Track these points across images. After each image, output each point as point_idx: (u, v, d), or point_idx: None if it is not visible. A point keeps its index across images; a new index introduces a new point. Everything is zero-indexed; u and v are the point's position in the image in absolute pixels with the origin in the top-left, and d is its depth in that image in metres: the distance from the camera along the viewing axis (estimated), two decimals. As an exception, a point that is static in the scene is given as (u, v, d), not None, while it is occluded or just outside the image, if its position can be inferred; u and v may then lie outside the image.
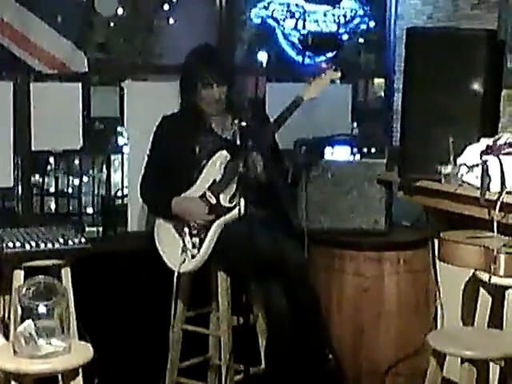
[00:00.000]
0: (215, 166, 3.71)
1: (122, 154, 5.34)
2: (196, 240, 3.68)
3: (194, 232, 3.69)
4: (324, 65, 5.39)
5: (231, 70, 3.87)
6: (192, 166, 3.75)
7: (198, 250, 3.67)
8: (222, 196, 3.69)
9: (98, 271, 4.04)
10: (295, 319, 3.54)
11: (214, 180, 3.71)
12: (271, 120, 3.78)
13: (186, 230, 3.70)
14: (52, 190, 5.65)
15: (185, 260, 3.67)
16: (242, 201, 3.21)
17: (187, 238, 3.69)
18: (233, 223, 3.61)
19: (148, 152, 3.88)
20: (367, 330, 3.94)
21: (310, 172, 4.10)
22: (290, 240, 3.68)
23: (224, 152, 3.70)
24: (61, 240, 3.40)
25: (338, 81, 5.31)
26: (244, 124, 3.36)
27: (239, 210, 3.22)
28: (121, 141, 5.51)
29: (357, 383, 3.93)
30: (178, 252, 3.68)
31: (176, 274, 3.67)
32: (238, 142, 3.39)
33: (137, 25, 5.68)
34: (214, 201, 3.69)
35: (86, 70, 4.20)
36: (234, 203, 3.60)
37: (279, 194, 3.50)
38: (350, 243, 4.00)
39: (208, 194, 3.70)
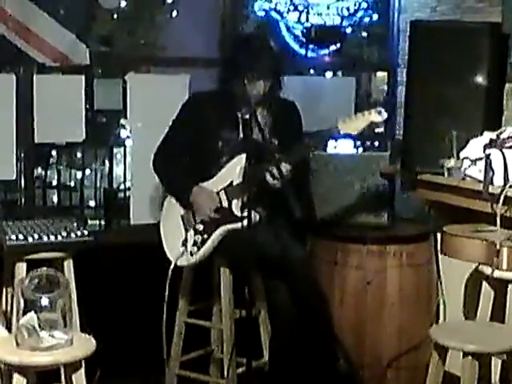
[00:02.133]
0: (235, 169, 3.60)
1: (125, 146, 5.34)
2: (199, 238, 3.64)
3: (199, 229, 3.65)
4: (327, 58, 5.39)
5: (279, 65, 3.70)
6: (212, 158, 3.65)
7: (198, 248, 3.63)
8: (234, 202, 3.60)
9: (101, 264, 4.04)
10: (298, 314, 3.53)
11: (231, 182, 3.62)
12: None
13: (192, 223, 3.66)
14: (54, 182, 5.64)
15: (183, 254, 3.65)
16: (250, 213, 3.13)
17: (191, 232, 3.66)
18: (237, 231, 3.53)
19: (171, 123, 3.75)
20: (369, 324, 3.93)
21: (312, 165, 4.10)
22: (292, 234, 3.66)
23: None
24: (63, 233, 3.41)
25: (340, 73, 5.32)
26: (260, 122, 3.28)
27: (248, 222, 3.12)
28: (123, 133, 5.50)
29: (359, 377, 3.93)
30: (179, 244, 3.66)
31: (172, 266, 3.64)
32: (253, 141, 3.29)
33: (139, 17, 5.67)
34: (225, 204, 3.62)
35: (89, 62, 4.19)
36: (245, 214, 3.48)
37: (290, 198, 3.44)
38: (352, 237, 3.99)
39: (222, 194, 3.64)
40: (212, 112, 3.67)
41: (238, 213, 3.57)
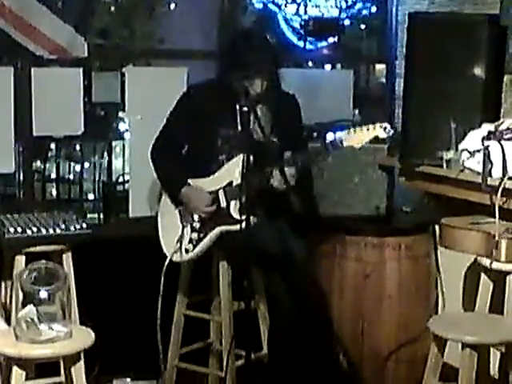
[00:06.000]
0: (236, 169, 3.54)
1: (124, 139, 5.33)
2: (195, 236, 3.63)
3: (196, 227, 3.64)
4: (326, 50, 5.39)
5: (277, 62, 3.68)
6: (211, 154, 3.62)
7: (194, 246, 3.63)
8: (232, 203, 3.58)
9: (100, 257, 4.04)
10: (297, 306, 3.53)
11: (231, 182, 3.58)
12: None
13: (190, 220, 3.66)
14: (53, 175, 5.64)
15: (178, 250, 3.64)
16: (248, 216, 3.06)
17: (187, 229, 3.65)
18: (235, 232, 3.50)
19: (168, 115, 3.71)
20: (368, 316, 3.94)
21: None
22: (291, 230, 3.65)
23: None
24: (62, 226, 3.41)
25: (339, 66, 5.32)
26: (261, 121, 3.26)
27: (241, 226, 3.09)
28: (122, 126, 5.50)
29: (358, 369, 3.93)
30: (175, 239, 3.65)
31: (167, 260, 3.64)
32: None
33: (137, 10, 5.66)
34: (224, 204, 3.61)
35: (87, 55, 4.19)
36: (243, 217, 3.31)
37: (292, 202, 3.42)
38: (351, 229, 3.99)
39: (221, 193, 3.62)
40: (210, 106, 3.63)
41: (235, 215, 3.54)
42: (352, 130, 3.47)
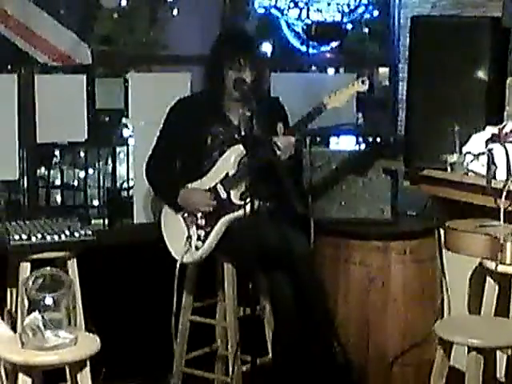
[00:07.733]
0: (230, 160, 3.64)
1: (127, 145, 5.35)
2: (201, 232, 3.66)
3: (201, 224, 3.67)
4: (329, 55, 5.41)
5: (261, 57, 3.84)
6: (203, 155, 3.70)
7: (203, 242, 3.65)
8: (232, 192, 3.64)
9: (104, 263, 4.04)
10: (301, 309, 3.54)
11: (227, 174, 3.65)
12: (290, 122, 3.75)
13: (194, 220, 3.68)
14: (58, 182, 5.67)
15: (188, 251, 3.66)
16: (251, 199, 3.13)
17: (193, 228, 3.68)
18: (240, 219, 3.59)
19: (158, 132, 3.80)
20: (374, 320, 3.93)
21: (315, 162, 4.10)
22: (296, 230, 3.67)
23: (240, 147, 3.62)
24: (67, 232, 3.41)
25: (342, 70, 5.33)
26: (249, 114, 3.34)
27: (245, 210, 3.17)
28: (126, 132, 5.52)
29: (363, 373, 3.93)
30: (183, 241, 3.67)
31: (178, 263, 3.66)
32: (248, 131, 3.37)
33: (140, 16, 5.68)
34: (224, 195, 3.66)
35: (90, 61, 4.20)
36: (244, 201, 3.55)
37: (288, 186, 3.47)
38: (356, 233, 3.99)
39: (219, 187, 3.67)
40: (198, 112, 3.72)
41: (237, 201, 3.62)
42: (332, 92, 3.61)
